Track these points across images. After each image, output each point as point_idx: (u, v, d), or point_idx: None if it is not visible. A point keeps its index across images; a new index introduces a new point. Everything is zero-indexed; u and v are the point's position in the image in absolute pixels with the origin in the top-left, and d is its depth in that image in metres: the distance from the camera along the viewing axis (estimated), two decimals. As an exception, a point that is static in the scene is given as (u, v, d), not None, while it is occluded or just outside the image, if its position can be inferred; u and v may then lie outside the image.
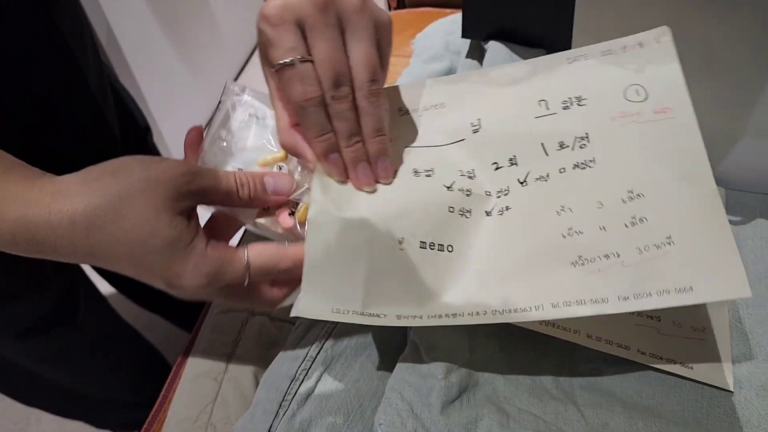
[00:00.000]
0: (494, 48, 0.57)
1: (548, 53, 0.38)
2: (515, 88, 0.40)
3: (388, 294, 0.38)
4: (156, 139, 0.95)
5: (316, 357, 0.44)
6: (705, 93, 0.40)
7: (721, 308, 0.42)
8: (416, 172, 0.39)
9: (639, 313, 0.42)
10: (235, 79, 2.05)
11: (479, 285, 0.38)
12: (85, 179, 0.35)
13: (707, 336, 0.41)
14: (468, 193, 0.39)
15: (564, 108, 0.38)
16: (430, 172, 0.40)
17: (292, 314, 0.37)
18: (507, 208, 0.39)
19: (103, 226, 0.34)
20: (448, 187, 0.39)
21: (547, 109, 0.39)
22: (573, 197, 0.37)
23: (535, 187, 0.38)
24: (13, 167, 0.35)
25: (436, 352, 0.40)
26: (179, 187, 0.36)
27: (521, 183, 0.39)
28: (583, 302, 0.35)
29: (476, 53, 0.61)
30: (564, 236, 0.36)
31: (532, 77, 0.40)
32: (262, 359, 0.54)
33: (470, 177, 0.39)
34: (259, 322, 0.56)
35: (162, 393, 0.57)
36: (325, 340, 0.45)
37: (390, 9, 1.00)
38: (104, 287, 0.96)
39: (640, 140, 0.36)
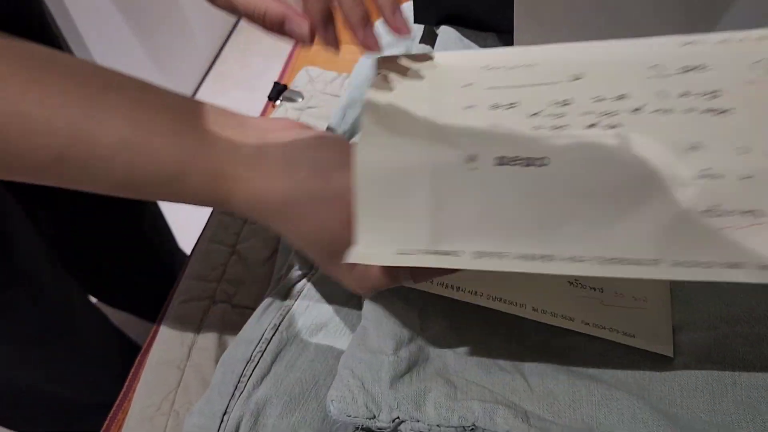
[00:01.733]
0: (445, 32, 0.58)
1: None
2: (619, 57, 0.34)
3: (462, 225, 0.31)
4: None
5: (271, 339, 0.45)
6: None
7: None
8: (495, 107, 0.33)
9: (582, 285, 0.43)
10: (204, 76, 2.04)
11: (589, 222, 0.30)
12: (288, 162, 0.34)
13: (648, 305, 0.42)
14: (560, 115, 0.32)
15: (683, 71, 0.32)
16: (513, 105, 0.33)
17: (349, 260, 0.32)
18: (616, 125, 0.31)
19: (298, 217, 0.35)
20: (533, 114, 0.32)
21: (663, 71, 0.33)
22: (708, 136, 0.30)
23: (652, 117, 0.31)
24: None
25: (386, 328, 0.41)
26: None
27: (634, 110, 0.32)
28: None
29: (429, 38, 0.61)
30: (697, 177, 0.29)
31: (638, 48, 0.34)
32: (224, 346, 0.55)
33: (565, 104, 0.33)
34: (221, 309, 0.57)
35: (126, 382, 0.58)
36: (280, 322, 0.46)
37: None
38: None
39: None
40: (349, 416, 0.38)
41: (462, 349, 0.42)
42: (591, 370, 0.40)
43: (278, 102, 0.71)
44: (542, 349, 0.42)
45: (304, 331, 0.46)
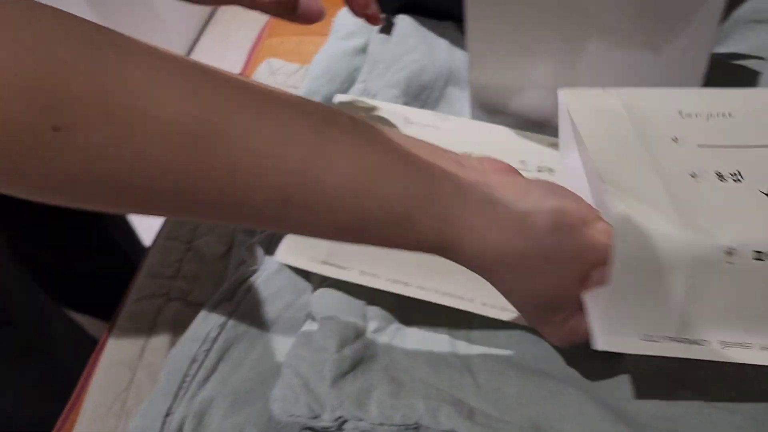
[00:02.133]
0: (402, 21, 0.57)
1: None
2: None
3: (711, 317, 0.32)
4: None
5: (217, 337, 0.44)
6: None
7: None
8: (720, 177, 0.34)
9: None
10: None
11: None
12: (526, 215, 0.32)
13: None
14: None
15: None
16: (738, 176, 0.34)
17: (595, 347, 0.31)
18: None
19: (529, 273, 0.32)
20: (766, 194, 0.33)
21: None
22: None
23: None
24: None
25: (331, 326, 0.40)
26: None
27: None
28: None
29: (385, 28, 0.60)
30: None
31: None
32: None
33: None
34: (174, 307, 0.56)
35: (80, 382, 0.56)
36: (228, 320, 0.45)
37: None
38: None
39: None
40: (292, 416, 0.37)
41: (410, 347, 0.41)
42: (540, 364, 0.40)
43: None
44: (489, 345, 0.41)
45: (253, 329, 0.45)
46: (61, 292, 1.00)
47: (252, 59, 0.78)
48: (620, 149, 0.35)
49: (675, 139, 0.35)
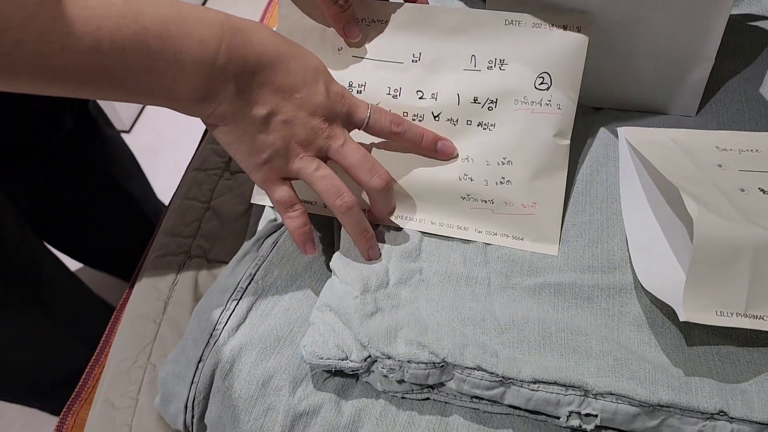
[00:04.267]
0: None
1: None
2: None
3: None
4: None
5: (246, 288, 0.45)
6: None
7: (557, 184, 0.46)
8: (762, 191, 0.41)
9: (474, 198, 0.46)
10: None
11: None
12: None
13: (537, 210, 0.46)
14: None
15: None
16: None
17: (683, 319, 0.36)
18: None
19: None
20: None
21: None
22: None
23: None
24: None
25: (353, 274, 0.42)
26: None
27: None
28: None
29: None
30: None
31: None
32: (199, 300, 0.55)
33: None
34: (196, 263, 0.57)
35: (103, 337, 0.58)
36: (256, 271, 0.46)
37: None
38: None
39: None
40: (321, 359, 0.39)
41: (432, 296, 0.43)
42: (560, 314, 0.41)
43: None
44: (512, 297, 0.43)
45: (280, 280, 0.46)
46: (79, 251, 1.01)
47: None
48: (681, 170, 0.42)
49: (720, 165, 0.43)
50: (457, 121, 0.46)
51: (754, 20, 0.52)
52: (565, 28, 0.44)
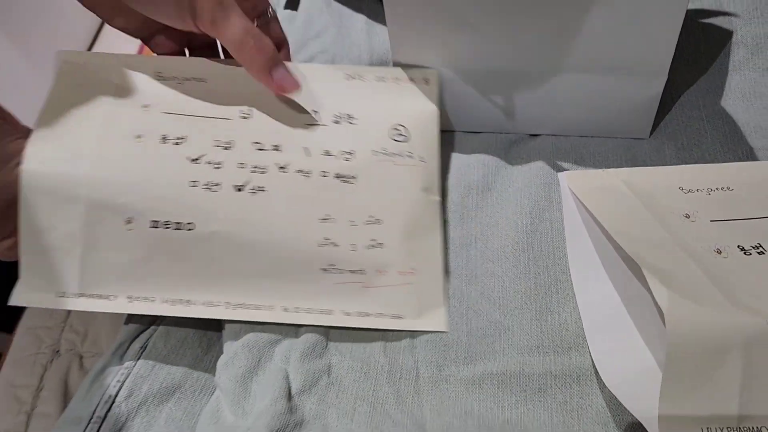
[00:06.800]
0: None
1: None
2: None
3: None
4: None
5: (105, 415, 0.35)
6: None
7: (433, 246, 0.39)
8: (743, 250, 0.33)
9: (339, 270, 0.37)
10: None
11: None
12: None
13: (416, 279, 0.38)
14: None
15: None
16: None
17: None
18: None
19: None
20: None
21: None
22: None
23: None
24: None
25: (249, 400, 0.32)
26: None
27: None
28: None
29: (291, 3, 0.51)
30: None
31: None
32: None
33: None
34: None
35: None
36: (118, 391, 0.36)
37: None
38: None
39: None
40: None
41: (347, 408, 0.33)
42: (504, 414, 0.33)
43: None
44: (443, 396, 0.34)
45: (151, 398, 0.36)
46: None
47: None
48: (639, 228, 0.34)
49: (687, 216, 0.35)
50: (310, 172, 0.37)
51: (708, 17, 0.44)
52: (413, 80, 0.40)
